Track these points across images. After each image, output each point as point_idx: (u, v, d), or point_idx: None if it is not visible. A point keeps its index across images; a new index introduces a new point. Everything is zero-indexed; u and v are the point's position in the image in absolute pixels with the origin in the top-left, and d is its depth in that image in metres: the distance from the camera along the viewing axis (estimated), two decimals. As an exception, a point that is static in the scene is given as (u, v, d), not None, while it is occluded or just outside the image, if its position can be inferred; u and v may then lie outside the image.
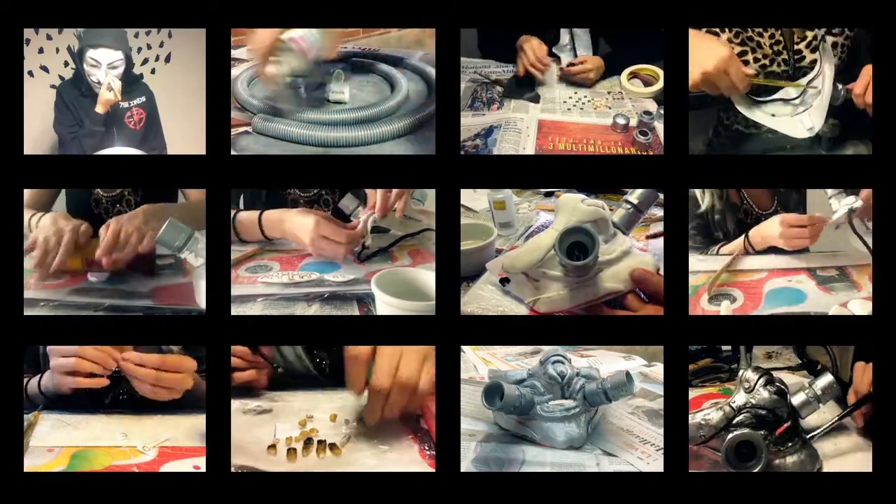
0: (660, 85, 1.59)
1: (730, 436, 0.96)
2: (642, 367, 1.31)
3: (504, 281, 1.03)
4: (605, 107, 1.56)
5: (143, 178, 1.15)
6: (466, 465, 0.98)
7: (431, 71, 1.50)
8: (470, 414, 1.07)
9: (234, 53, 1.32)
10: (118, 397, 1.12)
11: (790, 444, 0.97)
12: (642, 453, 1.00)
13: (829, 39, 1.27)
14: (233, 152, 1.15)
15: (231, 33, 1.08)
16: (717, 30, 1.28)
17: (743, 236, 1.34)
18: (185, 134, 1.58)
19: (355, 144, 1.28)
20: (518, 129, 1.45)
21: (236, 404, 1.11)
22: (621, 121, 1.42)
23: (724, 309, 1.17)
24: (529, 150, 1.38)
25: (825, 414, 1.03)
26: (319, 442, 1.01)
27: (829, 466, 0.99)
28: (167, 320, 1.15)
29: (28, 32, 1.53)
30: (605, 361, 1.33)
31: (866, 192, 1.11)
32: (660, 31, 1.08)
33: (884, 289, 1.03)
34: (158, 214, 1.26)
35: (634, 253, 0.99)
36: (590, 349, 1.38)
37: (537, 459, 0.98)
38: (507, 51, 1.71)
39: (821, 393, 0.98)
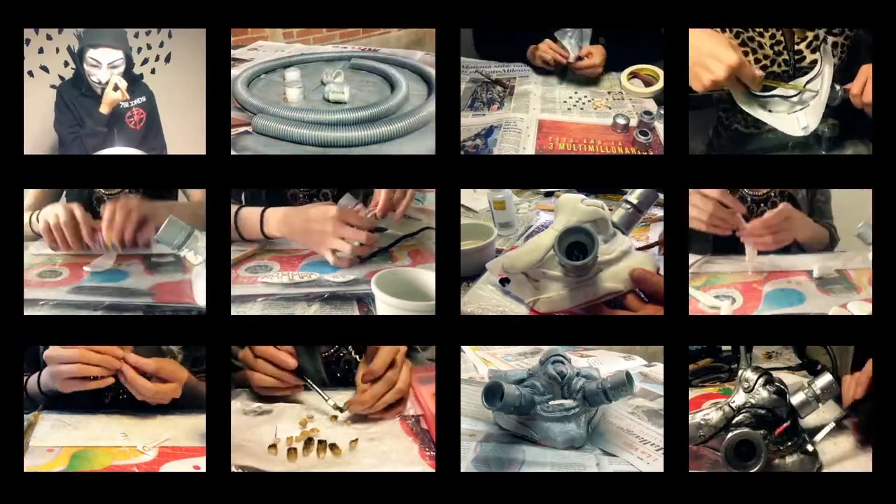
0: (660, 85, 1.59)
1: (729, 435, 0.96)
2: (642, 367, 1.31)
3: (504, 281, 1.03)
4: (606, 107, 1.56)
5: (143, 178, 1.15)
6: (466, 465, 0.98)
7: (431, 71, 1.51)
8: (470, 414, 1.07)
9: (234, 53, 1.32)
10: (118, 397, 1.13)
11: (790, 443, 0.97)
12: (642, 453, 1.00)
13: (830, 40, 1.27)
14: (233, 152, 1.15)
15: (231, 33, 1.08)
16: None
17: None
18: (185, 134, 1.58)
19: (355, 144, 1.28)
20: (518, 129, 1.45)
21: (236, 404, 1.11)
22: (621, 121, 1.42)
23: (725, 309, 1.17)
24: (529, 150, 1.38)
25: (824, 413, 1.03)
26: (320, 442, 1.01)
27: (828, 466, 0.99)
28: (167, 320, 1.15)
29: (28, 32, 1.53)
30: (605, 361, 1.33)
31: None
32: (660, 31, 1.08)
33: (884, 289, 1.03)
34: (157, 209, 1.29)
35: (634, 253, 0.99)
36: (590, 349, 1.38)
37: (537, 459, 0.98)
38: (505, 51, 1.71)
39: (820, 393, 0.99)
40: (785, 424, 0.97)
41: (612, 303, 0.98)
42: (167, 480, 1.00)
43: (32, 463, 1.00)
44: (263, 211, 1.36)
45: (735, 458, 0.96)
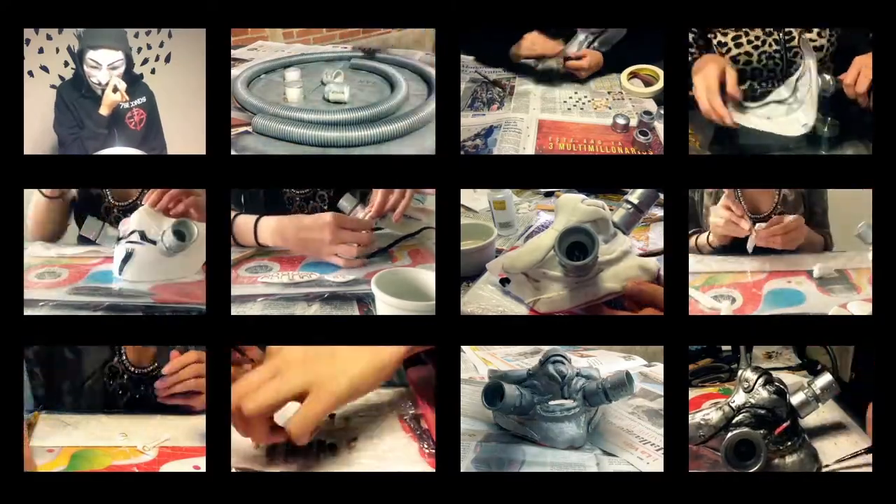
0: (660, 85, 1.59)
1: (729, 435, 0.96)
2: (642, 367, 1.31)
3: (504, 281, 1.03)
4: (605, 107, 1.56)
5: (143, 179, 1.15)
6: (466, 465, 0.98)
7: (431, 71, 1.51)
8: (470, 414, 1.07)
9: (235, 53, 1.32)
10: (134, 398, 1.12)
11: (790, 443, 0.97)
12: (642, 453, 1.00)
13: (807, 36, 1.27)
14: (233, 152, 1.15)
15: (231, 33, 1.08)
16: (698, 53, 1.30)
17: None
18: (185, 134, 1.58)
19: (355, 144, 1.28)
20: (518, 129, 1.45)
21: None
22: (621, 121, 1.42)
23: (725, 309, 1.17)
24: (529, 150, 1.38)
25: (824, 413, 1.03)
26: (320, 442, 1.01)
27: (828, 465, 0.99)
28: (167, 320, 1.15)
29: (28, 32, 1.53)
30: (605, 361, 1.33)
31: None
32: (660, 31, 1.08)
33: (883, 289, 1.03)
34: None
35: (634, 253, 0.99)
36: (590, 349, 1.38)
37: (537, 459, 0.98)
38: (496, 53, 1.71)
39: (820, 393, 0.99)
40: (785, 424, 0.97)
41: (613, 303, 0.98)
42: (167, 480, 1.00)
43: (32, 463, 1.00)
44: (257, 220, 1.37)
45: (735, 458, 0.96)
